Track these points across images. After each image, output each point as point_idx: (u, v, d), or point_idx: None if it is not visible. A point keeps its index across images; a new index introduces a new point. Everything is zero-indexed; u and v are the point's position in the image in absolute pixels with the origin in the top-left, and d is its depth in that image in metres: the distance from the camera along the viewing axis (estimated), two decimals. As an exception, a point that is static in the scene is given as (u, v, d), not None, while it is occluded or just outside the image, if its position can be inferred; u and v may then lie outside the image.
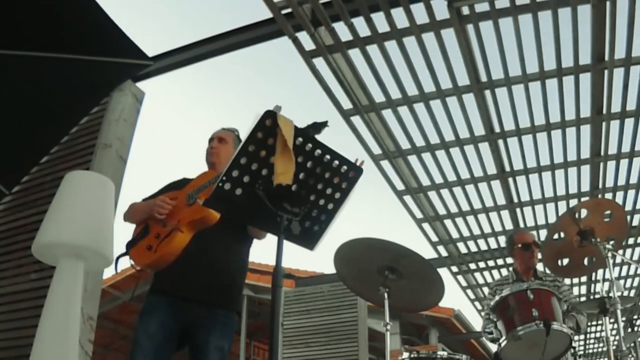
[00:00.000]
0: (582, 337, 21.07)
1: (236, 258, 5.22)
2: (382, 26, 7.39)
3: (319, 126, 3.80)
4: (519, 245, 7.00)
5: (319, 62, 7.86)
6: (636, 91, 8.57)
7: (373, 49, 7.75)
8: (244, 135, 3.51)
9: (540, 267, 7.20)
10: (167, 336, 4.73)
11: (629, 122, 9.30)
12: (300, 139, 3.56)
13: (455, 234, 13.01)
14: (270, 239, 3.51)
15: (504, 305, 5.44)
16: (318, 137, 3.67)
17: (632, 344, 10.76)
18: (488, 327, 6.28)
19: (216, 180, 4.79)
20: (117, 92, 8.09)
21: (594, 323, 18.53)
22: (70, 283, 5.22)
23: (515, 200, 11.64)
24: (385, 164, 10.20)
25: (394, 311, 5.68)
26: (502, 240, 13.18)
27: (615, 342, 5.60)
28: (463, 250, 13.85)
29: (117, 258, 4.81)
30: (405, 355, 5.51)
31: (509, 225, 12.61)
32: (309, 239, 3.85)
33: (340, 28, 7.42)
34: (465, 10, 7.25)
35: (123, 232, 5.14)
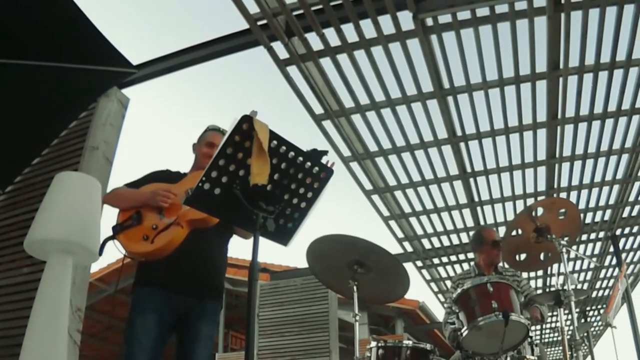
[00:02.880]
0: (538, 327, 21.20)
1: (221, 254, 5.18)
2: (352, 36, 7.41)
3: (319, 153, 3.83)
4: (490, 243, 7.02)
5: (293, 70, 7.87)
6: (589, 97, 8.64)
7: (343, 58, 7.76)
8: (221, 139, 3.51)
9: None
10: (163, 330, 4.64)
11: (582, 126, 9.38)
12: (275, 142, 3.56)
13: (419, 231, 13.05)
14: (247, 236, 3.50)
15: (466, 297, 5.45)
16: (293, 140, 3.68)
17: (585, 334, 10.85)
18: (450, 318, 6.30)
19: None
20: (104, 98, 8.07)
21: (550, 314, 18.64)
22: (59, 276, 5.20)
23: (476, 199, 11.69)
24: (354, 165, 10.22)
25: (363, 303, 5.68)
26: (464, 236, 13.31)
27: (570, 332, 5.66)
28: (427, 246, 13.91)
29: (104, 241, 4.68)
30: (373, 344, 5.51)
31: (470, 223, 12.70)
32: (283, 236, 3.85)
33: (313, 38, 7.43)
34: (429, 22, 7.27)
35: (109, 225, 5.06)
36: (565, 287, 5.70)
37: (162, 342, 4.67)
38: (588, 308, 19.96)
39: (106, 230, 4.75)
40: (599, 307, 19.61)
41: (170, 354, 4.77)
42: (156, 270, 4.73)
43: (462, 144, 9.79)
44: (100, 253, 4.65)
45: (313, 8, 7.04)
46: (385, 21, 7.21)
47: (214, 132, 5.39)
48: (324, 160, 3.84)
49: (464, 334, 5.26)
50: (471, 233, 12.93)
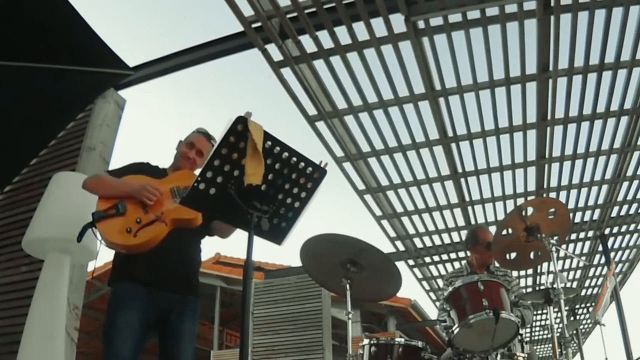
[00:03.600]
0: (528, 325, 21.25)
1: (199, 251, 5.20)
2: (345, 39, 7.42)
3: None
4: (484, 245, 7.02)
5: (286, 72, 7.87)
6: (578, 98, 8.67)
7: (336, 60, 7.77)
8: (216, 140, 3.51)
9: (490, 261, 7.23)
10: (145, 329, 4.60)
11: (572, 127, 9.41)
12: (269, 143, 3.57)
13: (411, 230, 13.08)
14: (242, 235, 3.50)
15: (457, 295, 5.45)
16: (287, 141, 3.68)
17: (574, 331, 10.84)
18: (442, 316, 6.30)
19: None
20: (101, 99, 8.09)
21: (539, 312, 18.70)
22: (57, 275, 5.21)
23: (467, 199, 11.71)
24: (347, 165, 10.23)
25: (356, 301, 5.70)
26: (455, 235, 13.34)
27: (559, 330, 5.64)
28: (419, 245, 13.94)
29: (84, 228, 4.63)
30: (366, 341, 5.52)
31: (461, 222, 12.72)
32: (277, 235, 3.86)
33: (306, 40, 7.44)
34: (421, 24, 7.29)
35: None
36: (555, 286, 5.71)
37: (143, 341, 4.62)
38: (577, 306, 20.02)
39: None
40: (588, 305, 19.65)
41: (151, 350, 4.75)
42: (138, 266, 4.67)
43: (453, 145, 9.81)
44: (79, 239, 4.61)
45: (306, 11, 7.06)
46: (378, 24, 7.23)
47: (200, 134, 5.39)
48: (317, 160, 3.86)
49: (455, 332, 5.27)
50: (462, 232, 13.00)
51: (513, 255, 6.22)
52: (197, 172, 5.00)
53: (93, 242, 5.27)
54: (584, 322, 20.84)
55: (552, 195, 11.50)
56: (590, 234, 13.96)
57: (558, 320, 5.65)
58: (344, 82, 8.23)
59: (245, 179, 3.46)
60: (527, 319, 6.62)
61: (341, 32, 7.34)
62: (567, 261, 15.80)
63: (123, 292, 4.70)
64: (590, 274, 17.12)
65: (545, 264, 10.56)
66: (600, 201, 12.28)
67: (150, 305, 4.64)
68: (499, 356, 5.40)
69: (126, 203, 4.68)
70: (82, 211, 4.67)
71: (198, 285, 5.14)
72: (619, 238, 14.53)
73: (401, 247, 13.89)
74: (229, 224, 4.88)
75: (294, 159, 3.72)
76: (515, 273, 7.34)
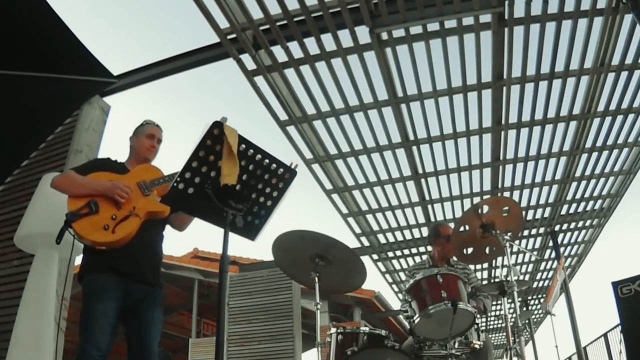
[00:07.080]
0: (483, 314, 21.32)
1: (161, 244, 5.18)
2: (313, 49, 7.44)
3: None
4: (445, 237, 7.04)
5: (259, 80, 7.88)
6: (530, 104, 8.74)
7: (305, 69, 7.79)
8: (194, 143, 3.52)
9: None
10: (118, 314, 4.53)
11: (524, 131, 9.48)
12: (244, 146, 3.61)
13: (375, 227, 13.12)
14: (218, 231, 3.51)
15: (417, 287, 5.46)
16: (260, 144, 3.71)
17: (527, 321, 10.93)
18: (404, 306, 6.32)
19: (169, 180, 4.77)
20: (87, 105, 8.09)
21: (495, 303, 18.77)
22: (46, 269, 5.19)
23: (427, 197, 11.76)
24: (315, 166, 10.24)
25: (324, 293, 5.71)
26: (416, 232, 13.40)
27: (512, 319, 5.68)
28: (382, 240, 13.97)
29: (61, 230, 4.49)
30: (333, 330, 5.53)
31: (421, 220, 12.78)
32: (250, 231, 3.88)
33: (278, 51, 7.45)
34: (384, 36, 7.32)
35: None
36: (509, 278, 5.74)
37: (115, 329, 4.54)
38: (529, 297, 20.10)
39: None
40: (540, 296, 19.76)
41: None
42: (114, 259, 4.59)
43: (414, 148, 9.85)
44: (58, 241, 4.55)
45: (278, 23, 7.07)
46: (344, 35, 7.25)
47: (154, 125, 5.43)
48: (287, 162, 3.88)
49: (416, 321, 5.29)
50: (423, 229, 13.11)
51: (470, 250, 6.25)
52: (154, 162, 5.08)
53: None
54: (536, 312, 21.03)
55: (506, 194, 11.57)
56: (542, 230, 14.07)
57: (512, 311, 5.71)
58: (313, 89, 8.24)
59: (221, 180, 3.49)
60: (488, 308, 6.66)
61: (310, 43, 7.36)
62: (520, 256, 15.92)
63: (100, 283, 4.59)
64: (542, 267, 17.25)
65: (499, 258, 10.65)
66: (550, 200, 12.39)
67: (123, 294, 4.58)
68: (456, 344, 5.43)
69: (99, 202, 4.63)
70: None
71: (161, 275, 5.13)
72: (568, 234, 14.67)
73: (366, 243, 13.92)
74: (205, 221, 4.90)
75: (266, 160, 3.77)
76: (471, 266, 7.37)
